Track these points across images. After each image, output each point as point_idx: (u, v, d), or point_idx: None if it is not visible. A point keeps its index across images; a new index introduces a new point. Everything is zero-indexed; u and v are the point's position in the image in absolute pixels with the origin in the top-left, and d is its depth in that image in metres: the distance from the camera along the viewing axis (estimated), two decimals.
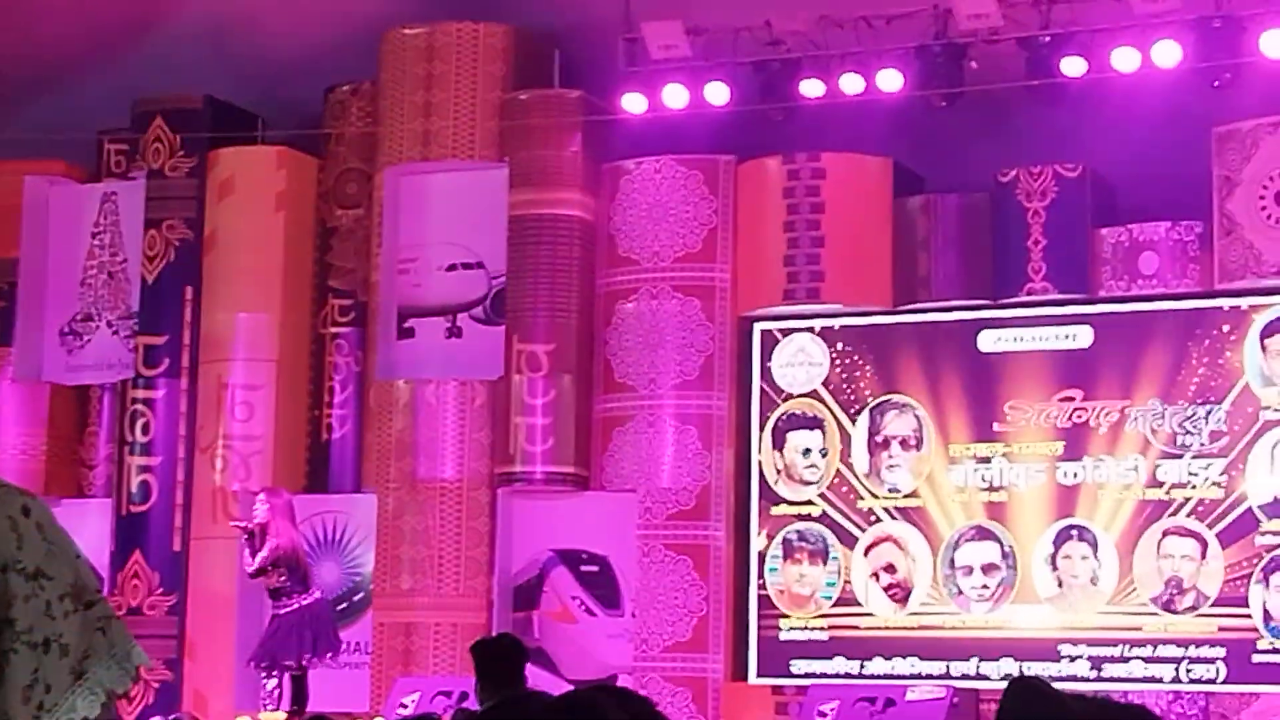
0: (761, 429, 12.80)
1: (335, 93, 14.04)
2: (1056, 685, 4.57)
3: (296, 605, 11.94)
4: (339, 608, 13.22)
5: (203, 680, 13.21)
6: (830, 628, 12.48)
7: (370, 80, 13.74)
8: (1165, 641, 11.74)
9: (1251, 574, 11.60)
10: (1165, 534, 11.85)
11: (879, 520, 12.48)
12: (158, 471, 13.70)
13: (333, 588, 13.31)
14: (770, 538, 12.66)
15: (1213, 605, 11.68)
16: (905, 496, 12.45)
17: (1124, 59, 12.07)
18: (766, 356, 12.87)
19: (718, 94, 12.93)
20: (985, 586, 12.19)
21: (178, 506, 13.63)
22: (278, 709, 11.86)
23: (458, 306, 13.44)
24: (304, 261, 13.88)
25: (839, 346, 12.71)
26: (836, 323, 12.76)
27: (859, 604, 12.46)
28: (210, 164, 13.93)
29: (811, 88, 12.77)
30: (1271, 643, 11.51)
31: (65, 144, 14.20)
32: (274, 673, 11.96)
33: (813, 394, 12.74)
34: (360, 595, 13.25)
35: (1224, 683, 11.60)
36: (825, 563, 12.55)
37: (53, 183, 14.44)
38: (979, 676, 12.04)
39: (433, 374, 13.25)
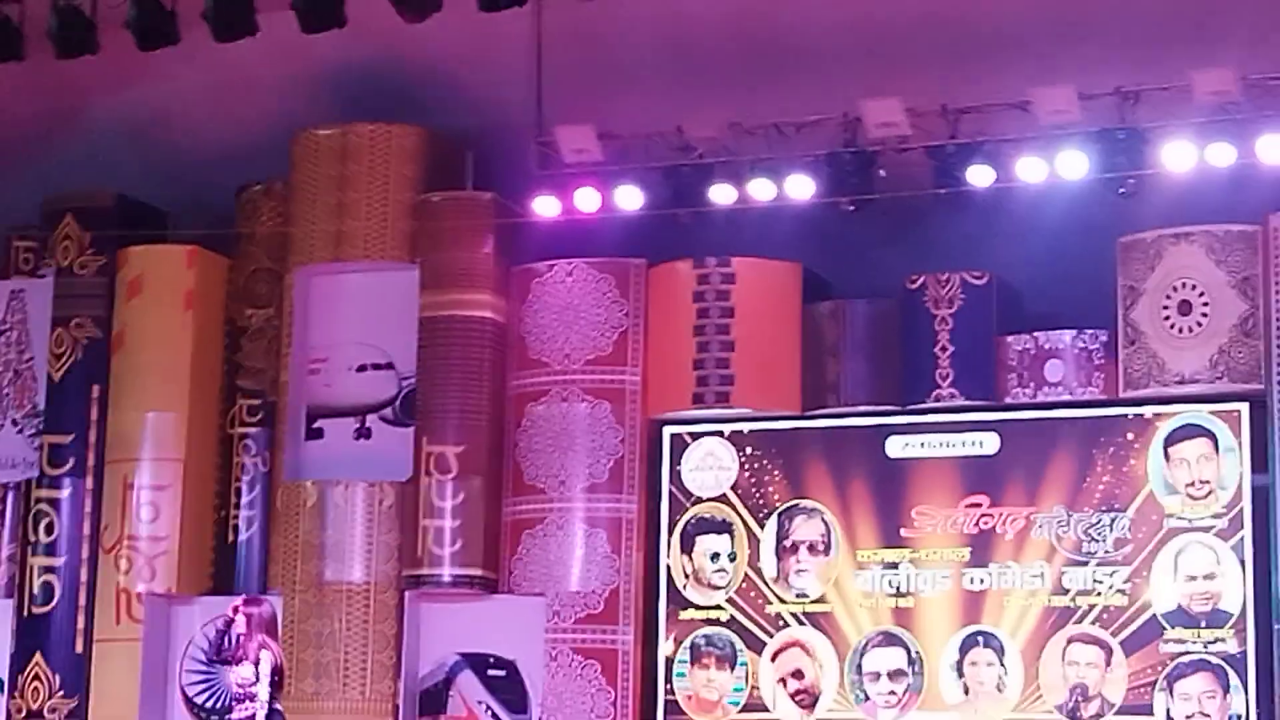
0: (670, 532, 12.79)
1: (247, 192, 14.00)
2: None
3: None
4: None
5: None
6: None
7: (282, 180, 13.72)
8: None
9: (1155, 681, 11.65)
10: (1070, 641, 11.90)
11: (787, 625, 12.48)
12: (61, 572, 13.55)
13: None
14: (678, 643, 12.63)
15: (1117, 713, 11.72)
16: (813, 602, 12.46)
17: (1030, 169, 12.21)
18: (676, 460, 12.88)
19: (629, 198, 12.99)
20: (892, 693, 12.19)
21: (81, 608, 13.47)
22: None
23: (367, 407, 13.39)
24: (213, 360, 13.81)
25: (748, 451, 12.74)
26: (745, 427, 12.79)
27: (767, 709, 12.43)
28: (120, 262, 13.86)
29: (722, 193, 12.85)
30: None
31: None
32: None
33: (721, 498, 12.75)
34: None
35: None
36: (733, 668, 12.53)
37: None
38: None
39: (341, 475, 13.18)
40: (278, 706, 11.38)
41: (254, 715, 11.31)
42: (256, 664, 11.24)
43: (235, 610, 11.43)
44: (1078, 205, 12.15)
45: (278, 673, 11.27)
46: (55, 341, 13.85)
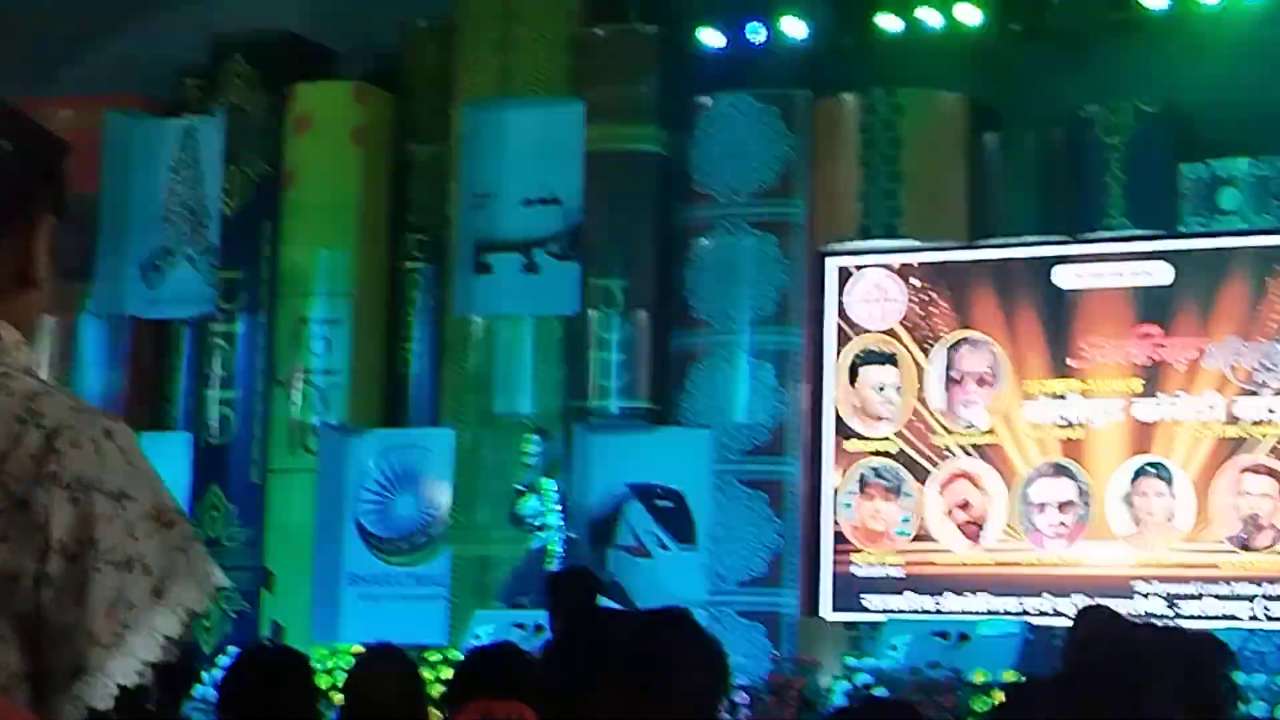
0: (836, 365, 12.79)
1: (412, 28, 14.05)
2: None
3: None
4: (416, 541, 13.35)
5: (280, 611, 13.34)
6: (905, 564, 12.49)
7: (447, 15, 13.74)
8: (1241, 579, 11.69)
9: None
10: (1243, 471, 11.79)
11: (954, 456, 12.47)
12: (236, 405, 13.83)
13: (410, 521, 13.42)
14: (845, 474, 12.66)
15: None
16: (981, 433, 12.43)
17: None
18: (842, 292, 12.85)
19: (795, 28, 12.89)
20: (1060, 523, 12.16)
21: (256, 439, 13.75)
22: None
23: (534, 242, 13.43)
24: (381, 196, 13.95)
25: (914, 283, 12.68)
26: (913, 259, 12.72)
27: (933, 540, 12.46)
28: (288, 99, 13.98)
29: (889, 22, 12.70)
30: None
31: (144, 79, 14.29)
32: None
33: (888, 330, 12.72)
34: (437, 529, 13.33)
35: None
36: (899, 498, 12.55)
37: (132, 118, 14.50)
38: (1054, 613, 12.03)
39: (509, 309, 13.28)
40: (571, 534, 11.57)
41: (545, 545, 11.43)
42: (539, 494, 11.48)
43: None
44: (1256, 27, 11.87)
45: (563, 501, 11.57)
46: (227, 179, 14.03)
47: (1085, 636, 4.88)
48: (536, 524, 11.91)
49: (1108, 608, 5.12)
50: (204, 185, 14.23)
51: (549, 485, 11.55)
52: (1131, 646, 3.37)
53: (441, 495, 13.32)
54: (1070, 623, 11.73)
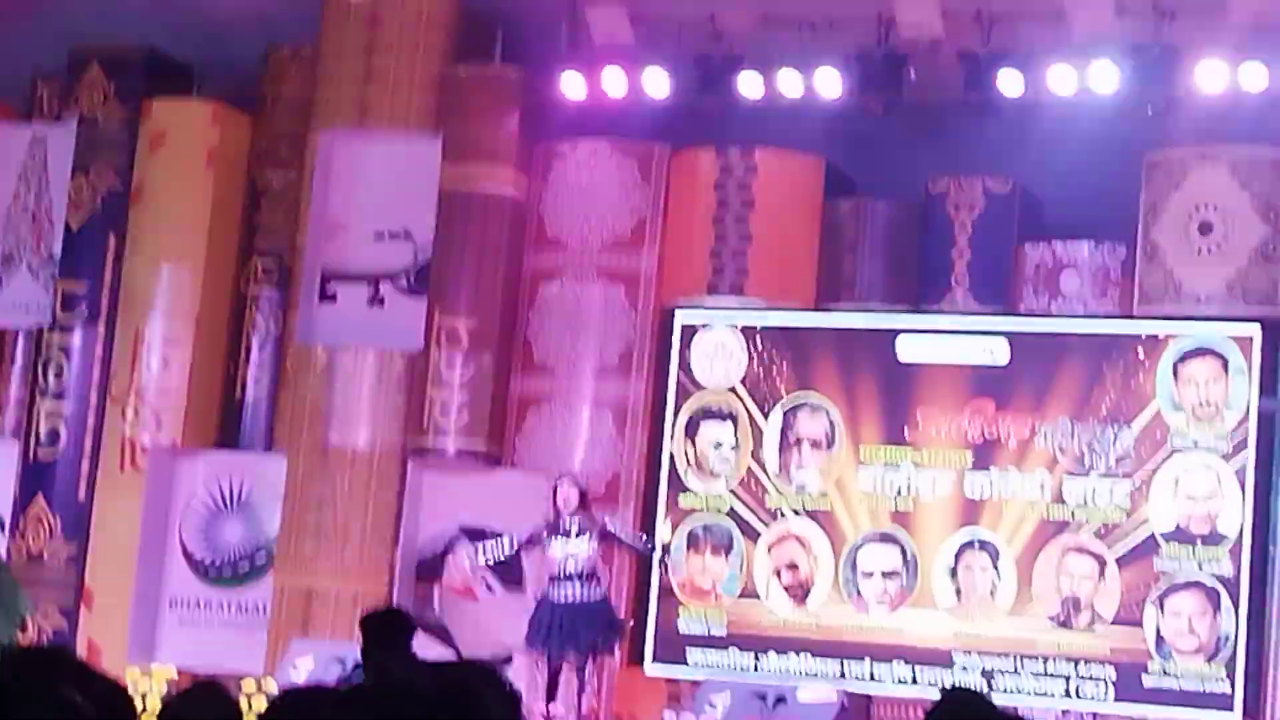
0: (675, 419, 12.83)
1: (275, 53, 13.97)
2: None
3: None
4: (240, 568, 13.21)
5: (97, 630, 13.13)
6: (728, 621, 12.52)
7: (311, 43, 13.68)
8: (1058, 658, 11.84)
9: (1147, 597, 11.72)
10: (1066, 551, 11.95)
11: (785, 518, 12.54)
12: (68, 418, 13.62)
13: (236, 548, 13.28)
14: (675, 528, 12.69)
15: (1107, 625, 11.78)
16: (813, 497, 12.51)
17: (1061, 80, 12.17)
18: (686, 347, 12.89)
19: (657, 83, 12.96)
20: (885, 590, 12.26)
21: (85, 454, 13.55)
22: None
23: (382, 274, 13.39)
24: (231, 219, 13.82)
25: (758, 343, 12.76)
26: (758, 320, 12.80)
27: (759, 599, 12.51)
28: (144, 115, 13.85)
29: (750, 84, 12.82)
30: (1162, 665, 11.63)
31: None
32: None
33: (729, 388, 12.78)
34: (263, 556, 13.20)
35: (1113, 701, 11.71)
36: (728, 556, 12.60)
37: None
38: (873, 679, 12.11)
39: (352, 340, 13.21)
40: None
41: (602, 597, 11.22)
42: (590, 538, 11.17)
43: (560, 481, 11.40)
44: (1106, 119, 12.10)
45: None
46: (75, 189, 13.85)
47: (946, 716, 4.90)
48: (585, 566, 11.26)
49: (975, 692, 5.15)
50: (50, 194, 14.04)
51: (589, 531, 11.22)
52: None
53: (270, 523, 13.19)
54: (891, 697, 11.87)
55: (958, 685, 8.75)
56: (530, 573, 12.66)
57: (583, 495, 11.36)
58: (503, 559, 11.71)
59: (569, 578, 11.15)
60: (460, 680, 3.04)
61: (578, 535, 11.16)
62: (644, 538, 11.99)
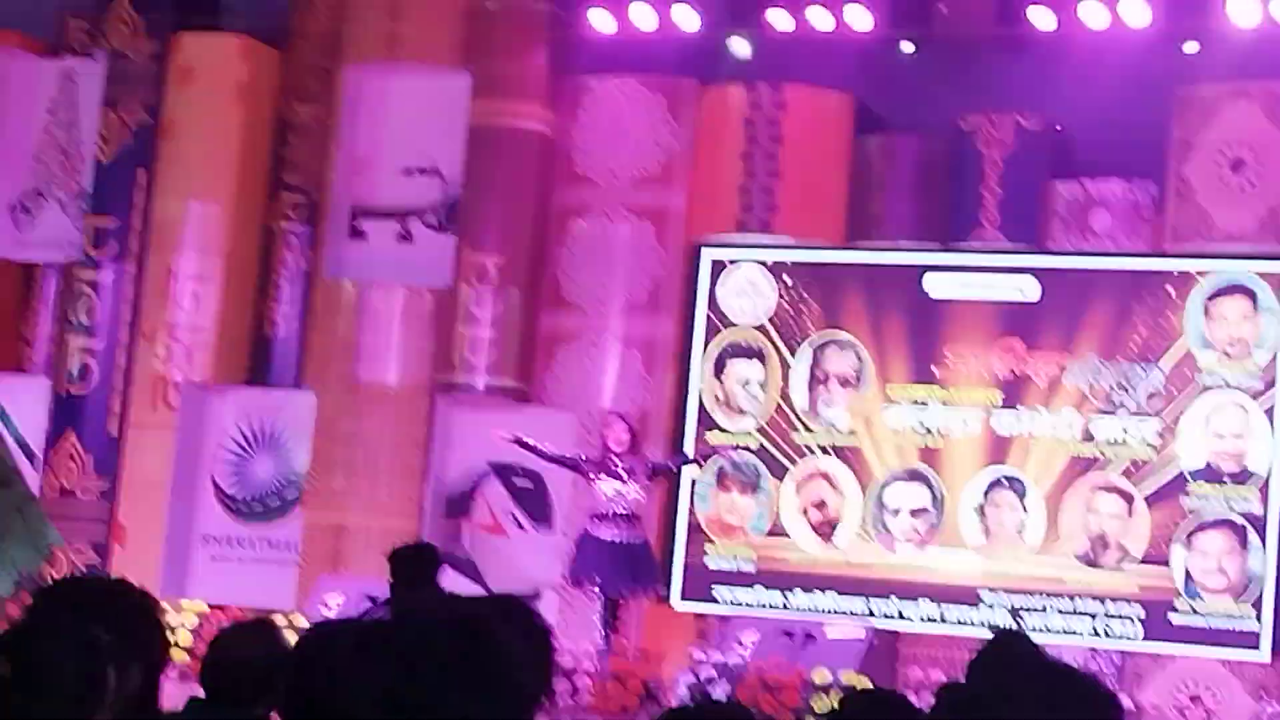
0: (704, 357, 12.82)
1: None
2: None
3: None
4: (270, 503, 13.27)
5: (129, 566, 13.18)
6: (756, 558, 12.55)
7: None
8: (1085, 595, 11.85)
9: (1175, 535, 11.71)
10: (1094, 489, 11.94)
11: (813, 456, 12.54)
12: (99, 354, 13.66)
13: (266, 484, 13.34)
14: (703, 466, 12.69)
15: (1135, 563, 11.78)
16: (841, 434, 12.51)
17: (1092, 14, 12.08)
18: (714, 284, 12.87)
19: (685, 17, 12.90)
20: (913, 529, 12.27)
21: (116, 391, 13.59)
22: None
23: (410, 211, 13.35)
24: (260, 154, 13.81)
25: (787, 280, 12.73)
26: (787, 256, 12.77)
27: (787, 536, 12.54)
28: (173, 49, 13.83)
29: (779, 18, 12.74)
30: (1189, 604, 11.63)
31: (26, 16, 14.07)
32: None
33: (758, 326, 12.76)
34: (293, 492, 13.25)
35: (1141, 640, 11.72)
36: (756, 494, 12.62)
37: (10, 55, 14.27)
38: (901, 617, 12.14)
39: (381, 277, 13.20)
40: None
41: (644, 540, 11.14)
42: (638, 480, 11.07)
43: (612, 421, 11.30)
44: (1138, 55, 12.01)
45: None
46: (104, 124, 13.84)
47: (992, 660, 4.95)
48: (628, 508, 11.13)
49: (1022, 634, 5.21)
50: (80, 129, 14.02)
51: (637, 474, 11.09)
52: (1038, 684, 3.42)
53: (300, 459, 13.24)
54: (918, 634, 11.89)
55: (1004, 628, 8.74)
56: (559, 509, 12.71)
57: (634, 436, 11.27)
58: (538, 450, 11.49)
59: (614, 517, 11.09)
60: (477, 613, 3.06)
61: (628, 477, 11.07)
62: (680, 457, 12.02)
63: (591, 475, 11.18)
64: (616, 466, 11.09)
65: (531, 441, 11.36)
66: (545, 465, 11.87)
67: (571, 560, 11.34)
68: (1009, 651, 5.03)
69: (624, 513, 11.08)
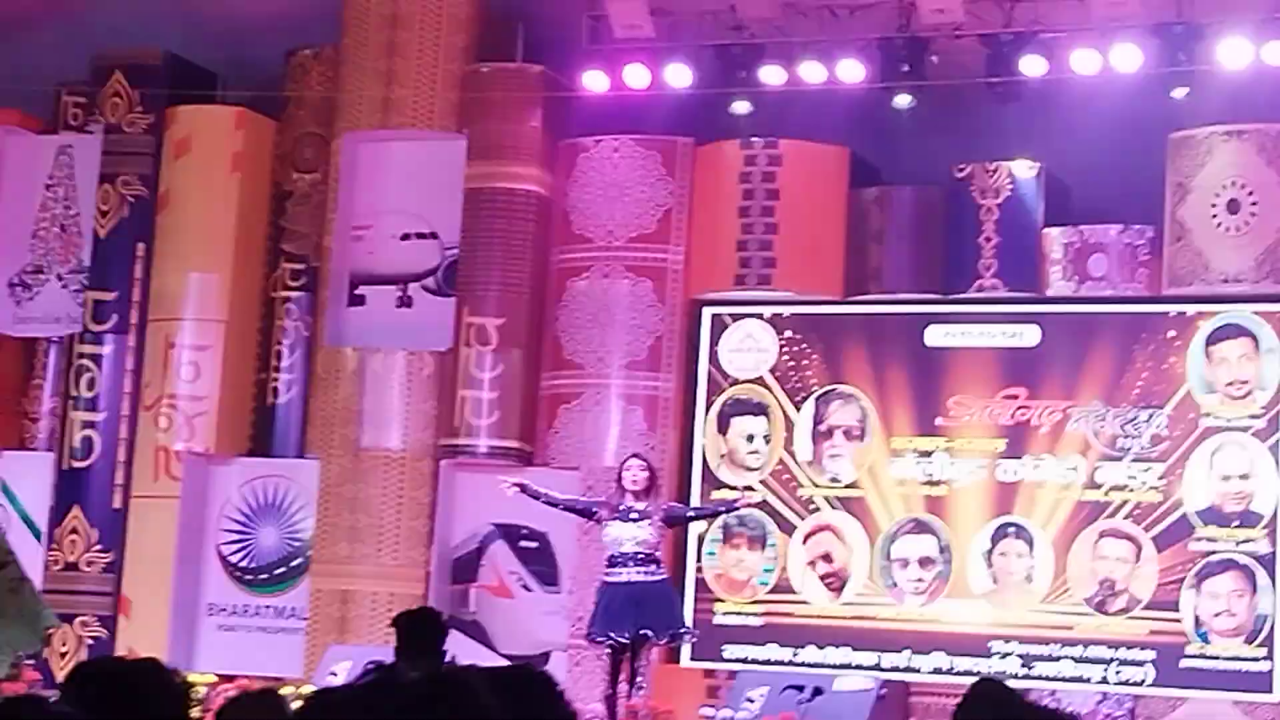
0: (706, 413, 12.81)
1: (297, 55, 13.99)
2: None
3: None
4: (276, 572, 13.25)
5: (136, 638, 13.17)
6: (765, 614, 12.52)
7: (332, 45, 13.69)
8: (1096, 642, 11.81)
9: (1184, 579, 11.67)
10: (1101, 535, 11.91)
11: (818, 509, 12.52)
12: (101, 427, 13.67)
13: (271, 552, 13.32)
14: (710, 522, 12.66)
15: (1144, 608, 11.75)
16: (846, 486, 12.49)
17: (1084, 61, 12.12)
18: (715, 340, 12.88)
19: (679, 76, 12.94)
20: (920, 580, 12.24)
21: (119, 463, 13.59)
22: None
23: (410, 276, 13.42)
24: (258, 223, 13.86)
25: (787, 334, 12.73)
26: (786, 310, 12.78)
27: (795, 591, 12.50)
28: (168, 121, 13.88)
29: (773, 74, 12.79)
30: (1200, 648, 11.59)
31: (22, 94, 14.14)
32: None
33: (759, 380, 12.76)
34: (298, 561, 13.24)
35: (1151, 685, 11.67)
36: (763, 549, 12.59)
37: (8, 132, 14.35)
38: (910, 669, 12.10)
39: (382, 342, 13.24)
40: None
41: (663, 579, 10.76)
42: (652, 523, 10.68)
43: (630, 462, 10.90)
44: (1130, 99, 12.04)
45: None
46: (102, 198, 13.89)
47: (973, 708, 4.96)
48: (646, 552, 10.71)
49: (1002, 683, 5.21)
50: (78, 204, 14.10)
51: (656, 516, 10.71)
52: None
53: (305, 527, 13.23)
54: (929, 684, 11.84)
55: (986, 676, 8.74)
56: (565, 570, 12.67)
57: (652, 477, 10.90)
58: (544, 496, 11.23)
59: (628, 559, 10.64)
60: (453, 678, 3.06)
61: (640, 520, 10.68)
62: (734, 501, 11.61)
63: (604, 518, 10.76)
64: (630, 509, 10.73)
65: (537, 488, 11.18)
66: (552, 519, 11.76)
67: (591, 615, 10.91)
68: (989, 699, 5.04)
69: (636, 555, 10.67)
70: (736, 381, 12.80)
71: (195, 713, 10.53)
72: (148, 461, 13.50)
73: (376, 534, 12.88)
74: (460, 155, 13.20)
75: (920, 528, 12.29)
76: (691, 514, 11.75)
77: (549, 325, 13.18)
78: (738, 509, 11.69)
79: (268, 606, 13.23)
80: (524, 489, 10.98)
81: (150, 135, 13.89)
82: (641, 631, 10.55)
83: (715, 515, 12.03)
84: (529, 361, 13.15)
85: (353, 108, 13.49)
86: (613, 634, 10.58)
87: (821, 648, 12.30)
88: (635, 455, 11.16)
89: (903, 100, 12.58)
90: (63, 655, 13.04)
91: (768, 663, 12.28)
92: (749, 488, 12.35)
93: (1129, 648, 11.73)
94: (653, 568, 10.71)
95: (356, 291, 13.45)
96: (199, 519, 13.38)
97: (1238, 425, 11.72)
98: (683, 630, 11.03)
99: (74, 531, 13.53)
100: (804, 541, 12.53)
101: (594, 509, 10.89)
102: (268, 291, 13.83)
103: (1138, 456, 11.87)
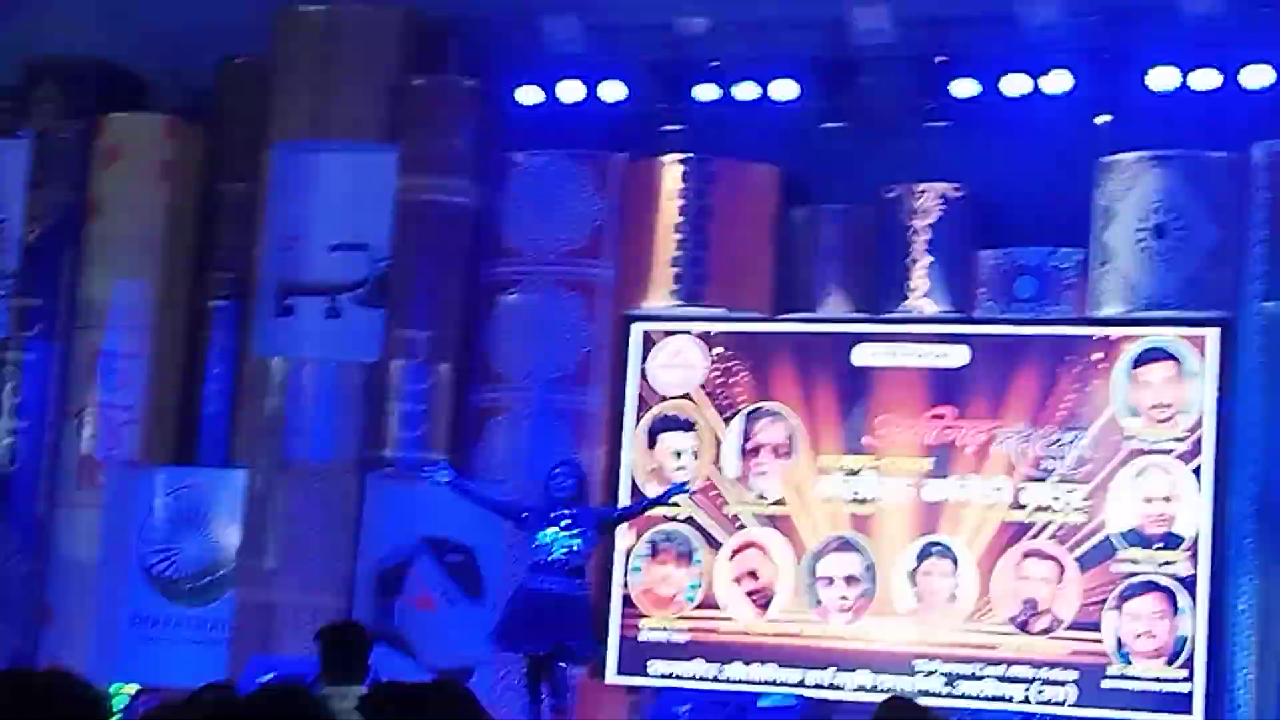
0: (635, 429, 12.82)
1: (229, 65, 13.94)
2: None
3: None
4: (200, 583, 13.17)
5: (58, 649, 13.07)
6: (690, 630, 12.53)
7: (264, 55, 13.64)
8: (1019, 662, 11.87)
9: (1106, 600, 11.76)
10: (1025, 556, 11.98)
11: (745, 526, 12.55)
12: (25, 435, 13.57)
13: (196, 563, 13.25)
14: (638, 537, 12.69)
15: (1067, 628, 11.82)
16: (772, 504, 12.52)
17: (1014, 84, 12.21)
18: (644, 357, 12.90)
19: (613, 91, 12.97)
20: (845, 598, 12.28)
21: (43, 472, 13.50)
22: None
23: (339, 287, 13.37)
24: (186, 232, 13.80)
25: (717, 351, 12.76)
26: (715, 327, 12.81)
27: (720, 608, 12.52)
28: (98, 128, 13.80)
29: (706, 91, 12.83)
30: (1122, 668, 11.67)
31: None
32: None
33: (687, 396, 12.78)
34: (222, 572, 13.17)
35: (1073, 705, 11.74)
36: (689, 565, 12.60)
37: None
38: (834, 687, 12.13)
39: (310, 354, 13.19)
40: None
41: (584, 593, 10.66)
42: (582, 533, 10.63)
43: (560, 468, 10.90)
44: (1060, 123, 12.15)
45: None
46: (31, 205, 13.80)
47: None
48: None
49: (913, 703, 5.27)
50: (6, 209, 14.00)
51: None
52: None
53: (230, 538, 13.16)
54: (853, 703, 11.88)
55: (896, 695, 8.82)
56: (492, 583, 12.65)
57: (581, 484, 10.91)
58: (474, 494, 11.21)
59: (550, 566, 10.59)
60: (301, 685, 3.10)
61: (569, 527, 10.62)
62: (675, 486, 11.66)
63: (534, 523, 10.71)
64: (562, 515, 10.71)
65: (467, 484, 11.17)
66: (480, 532, 11.75)
67: (500, 618, 10.83)
68: (899, 717, 5.12)
69: (562, 564, 10.63)
70: (665, 398, 12.82)
71: None
72: (72, 469, 13.41)
73: (302, 546, 12.82)
74: (392, 167, 13.18)
75: (846, 546, 12.34)
76: (620, 513, 11.75)
77: (479, 339, 13.16)
78: (667, 501, 11.71)
79: (191, 618, 13.15)
80: (454, 485, 11.00)
81: (80, 142, 13.80)
82: (563, 644, 10.51)
83: (645, 509, 11.86)
84: (458, 375, 13.12)
85: (284, 118, 13.44)
86: (527, 647, 10.51)
87: (747, 664, 12.32)
88: (563, 462, 11.17)
89: (832, 120, 12.66)
90: None
91: (693, 679, 12.29)
92: (667, 518, 12.32)
93: (1051, 667, 11.80)
94: (578, 580, 10.70)
95: (285, 302, 13.38)
96: (123, 528, 13.28)
97: (1161, 448, 11.81)
98: (592, 646, 11.05)
99: None
100: (730, 558, 12.55)
101: (523, 512, 10.88)
102: (196, 301, 13.76)
103: (1062, 478, 11.95)
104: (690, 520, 12.60)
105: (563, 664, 10.67)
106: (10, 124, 14.19)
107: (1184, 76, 11.87)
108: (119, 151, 13.74)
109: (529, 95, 13.09)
